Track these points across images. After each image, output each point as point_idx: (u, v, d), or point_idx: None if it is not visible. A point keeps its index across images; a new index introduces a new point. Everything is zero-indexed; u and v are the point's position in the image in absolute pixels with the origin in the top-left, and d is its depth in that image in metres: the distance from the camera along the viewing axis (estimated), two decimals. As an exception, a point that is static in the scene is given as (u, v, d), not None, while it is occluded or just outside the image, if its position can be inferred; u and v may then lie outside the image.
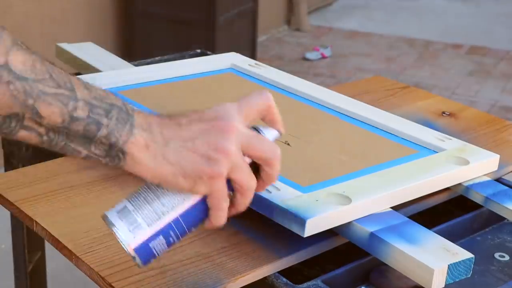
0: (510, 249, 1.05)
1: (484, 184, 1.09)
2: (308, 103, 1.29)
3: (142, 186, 0.76)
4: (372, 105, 1.28)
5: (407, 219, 0.96)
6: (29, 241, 1.51)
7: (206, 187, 0.73)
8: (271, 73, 1.39)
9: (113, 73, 1.34)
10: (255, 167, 0.76)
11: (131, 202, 0.75)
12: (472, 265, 0.89)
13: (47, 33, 3.06)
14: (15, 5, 2.94)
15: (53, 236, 0.94)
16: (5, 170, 1.37)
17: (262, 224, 0.97)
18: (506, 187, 1.09)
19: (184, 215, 0.75)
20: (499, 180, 1.16)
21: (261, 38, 4.45)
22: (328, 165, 1.07)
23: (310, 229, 0.90)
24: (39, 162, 1.13)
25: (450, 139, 1.16)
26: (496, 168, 1.12)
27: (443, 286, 0.87)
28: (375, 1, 5.75)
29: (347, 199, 0.94)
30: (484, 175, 1.11)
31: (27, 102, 0.67)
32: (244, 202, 0.76)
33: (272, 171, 0.76)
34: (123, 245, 0.74)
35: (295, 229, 0.91)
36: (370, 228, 0.93)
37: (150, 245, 0.74)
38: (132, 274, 0.87)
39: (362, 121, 1.22)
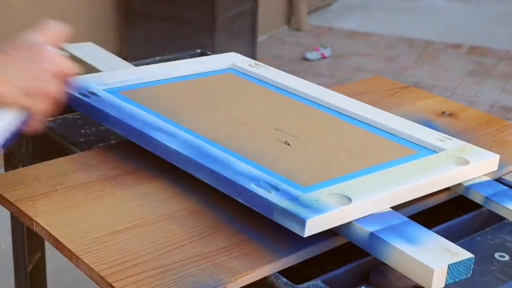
0: (510, 249, 1.05)
1: (484, 184, 1.09)
2: (308, 103, 1.29)
3: None
4: (372, 105, 1.28)
5: (407, 219, 0.96)
6: (29, 241, 1.51)
7: (36, 102, 0.91)
8: (271, 73, 1.39)
9: (113, 73, 1.34)
10: None
11: None
12: (472, 265, 0.89)
13: (47, 33, 3.05)
14: (15, 5, 2.94)
15: (53, 236, 0.94)
16: (5, 170, 1.37)
17: (262, 224, 0.97)
18: (506, 187, 1.09)
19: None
20: (499, 180, 1.17)
21: (261, 38, 4.46)
22: (328, 165, 1.07)
23: (310, 229, 0.90)
24: (39, 162, 1.13)
25: (450, 139, 1.16)
26: (496, 168, 1.12)
27: (443, 286, 0.87)
28: (375, 1, 5.75)
29: (347, 199, 0.94)
30: (484, 175, 1.11)
31: None
32: (54, 110, 0.95)
33: (67, 79, 0.95)
34: None
35: (295, 229, 0.91)
36: (370, 228, 0.93)
37: None
38: (132, 274, 0.87)
39: (362, 121, 1.22)
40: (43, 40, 0.94)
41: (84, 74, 1.38)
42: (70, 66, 0.95)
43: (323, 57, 4.44)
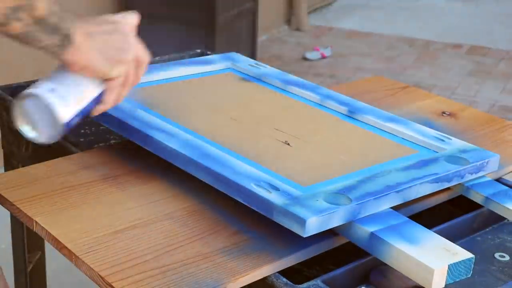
0: (510, 249, 1.05)
1: (484, 184, 1.09)
2: (308, 103, 1.29)
3: (62, 73, 0.96)
4: (372, 105, 1.28)
5: (407, 219, 0.96)
6: (29, 241, 1.51)
7: (118, 71, 0.96)
8: (271, 73, 1.39)
9: (113, 73, 1.34)
10: None
11: (58, 84, 0.94)
12: (472, 265, 0.89)
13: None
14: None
15: (53, 236, 0.94)
16: (5, 170, 1.38)
17: (262, 224, 0.97)
18: (506, 187, 1.09)
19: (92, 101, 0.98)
20: (499, 180, 1.17)
21: (261, 38, 4.45)
22: (328, 165, 1.07)
23: (310, 229, 0.90)
24: (39, 162, 1.13)
25: (450, 139, 1.16)
26: (496, 168, 1.12)
27: (443, 286, 0.87)
28: (375, 1, 5.75)
29: (347, 199, 0.94)
30: (484, 175, 1.11)
31: None
32: (141, 74, 1.01)
33: (142, 70, 1.01)
34: (53, 117, 0.92)
35: (295, 229, 0.91)
36: (370, 228, 0.93)
37: (72, 120, 0.95)
38: (132, 274, 0.87)
39: (362, 121, 1.22)
40: (125, 21, 1.02)
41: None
42: (147, 59, 1.01)
43: (323, 57, 4.44)
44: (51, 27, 0.89)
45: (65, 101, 0.93)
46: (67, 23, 0.90)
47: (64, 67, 0.95)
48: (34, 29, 0.88)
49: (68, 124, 0.94)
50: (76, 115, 0.95)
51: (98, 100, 0.98)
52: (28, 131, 0.94)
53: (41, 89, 0.92)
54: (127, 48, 0.97)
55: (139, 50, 1.00)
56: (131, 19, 1.05)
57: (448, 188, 1.09)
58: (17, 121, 0.94)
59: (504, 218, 1.11)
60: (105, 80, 0.97)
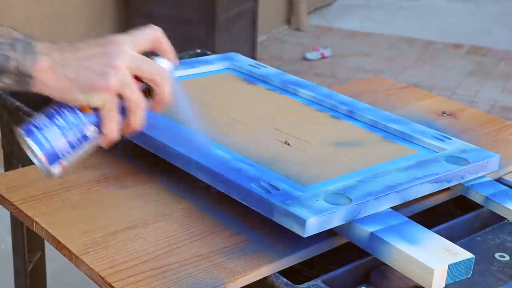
0: (510, 249, 1.05)
1: (484, 184, 1.09)
2: (308, 103, 1.29)
3: (51, 107, 0.87)
4: (372, 105, 1.28)
5: (407, 219, 0.96)
6: (29, 241, 1.51)
7: (99, 99, 0.83)
8: (271, 73, 1.39)
9: (113, 73, 1.34)
10: (149, 91, 0.87)
11: (44, 121, 0.86)
12: (472, 265, 0.89)
13: (47, 33, 3.06)
14: (15, 5, 2.94)
15: (53, 236, 0.94)
16: (5, 170, 1.38)
17: (262, 224, 0.97)
18: (506, 187, 1.09)
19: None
20: (499, 180, 1.16)
21: (261, 38, 4.45)
22: (328, 165, 1.07)
23: (310, 229, 0.90)
24: (39, 162, 1.13)
25: (450, 139, 1.16)
26: (496, 168, 1.12)
27: (443, 286, 0.87)
28: (375, 1, 5.75)
29: (347, 199, 0.94)
30: (484, 175, 1.11)
31: None
32: (136, 120, 0.86)
33: (161, 90, 0.86)
34: (36, 156, 0.85)
35: (295, 229, 0.91)
36: (370, 228, 0.93)
37: (63, 157, 0.87)
38: (132, 274, 0.87)
39: (362, 121, 1.22)
40: (129, 42, 0.85)
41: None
42: (157, 72, 0.85)
43: (323, 57, 4.44)
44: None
45: (47, 139, 0.85)
46: (21, 60, 0.82)
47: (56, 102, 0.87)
48: None
49: (53, 161, 0.86)
50: (65, 150, 0.86)
51: (95, 131, 0.87)
52: (34, 160, 0.88)
53: (25, 128, 0.85)
54: (106, 71, 0.83)
55: (141, 69, 0.85)
56: (143, 35, 0.88)
57: (448, 188, 1.09)
58: (25, 150, 0.88)
59: (504, 218, 1.11)
60: (94, 109, 0.85)
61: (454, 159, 1.08)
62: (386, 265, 0.92)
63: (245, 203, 0.97)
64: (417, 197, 1.03)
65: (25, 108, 1.34)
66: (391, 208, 0.98)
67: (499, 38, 4.94)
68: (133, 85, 0.84)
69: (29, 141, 0.85)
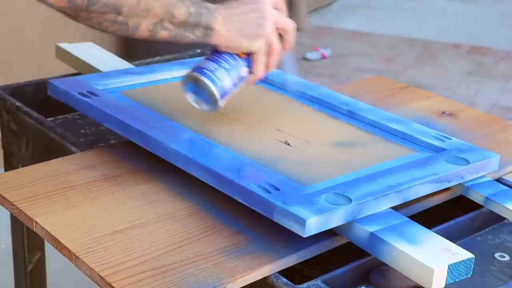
0: (510, 249, 1.05)
1: (484, 184, 1.09)
2: (308, 103, 1.29)
3: (212, 55, 1.12)
4: (372, 105, 1.28)
5: (407, 219, 0.96)
6: (29, 241, 1.51)
7: (257, 45, 1.09)
8: (272, 73, 1.39)
9: (113, 73, 1.34)
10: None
11: (213, 65, 1.11)
12: (472, 265, 0.89)
13: (47, 33, 3.05)
14: (15, 5, 2.94)
15: (53, 236, 0.94)
16: (5, 170, 1.38)
17: (262, 224, 0.97)
18: (506, 187, 1.09)
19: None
20: (499, 180, 1.17)
21: (261, 38, 4.45)
22: (328, 165, 1.07)
23: (310, 229, 0.90)
24: (39, 162, 1.13)
25: (450, 139, 1.16)
26: (496, 168, 1.12)
27: (443, 286, 0.87)
28: (375, 1, 5.75)
29: (347, 199, 0.94)
30: (484, 175, 1.11)
31: (169, 9, 1.03)
32: (275, 61, 1.13)
33: (289, 37, 1.12)
34: (208, 93, 1.10)
35: (295, 229, 0.91)
36: (370, 228, 0.93)
37: (227, 93, 1.12)
38: (132, 274, 0.87)
39: (362, 121, 1.22)
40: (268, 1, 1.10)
41: (84, 74, 1.38)
42: (292, 25, 1.11)
43: (323, 57, 4.44)
44: (192, 25, 1.05)
45: (219, 78, 1.09)
46: (205, 17, 1.05)
47: (215, 49, 1.11)
48: (179, 31, 1.05)
49: (223, 96, 1.10)
50: (230, 88, 1.11)
51: (247, 72, 1.12)
52: (194, 104, 1.13)
53: (198, 71, 1.10)
54: (263, 23, 1.08)
55: (279, 22, 1.09)
56: None
57: (448, 188, 1.09)
58: (186, 96, 1.13)
59: (504, 218, 1.11)
60: (250, 54, 1.10)
61: (454, 159, 1.08)
62: (386, 265, 0.92)
63: (245, 203, 0.97)
64: (417, 197, 1.03)
65: (25, 108, 1.34)
66: (391, 208, 0.98)
67: (499, 38, 4.95)
68: (276, 34, 1.10)
69: (205, 80, 1.09)
